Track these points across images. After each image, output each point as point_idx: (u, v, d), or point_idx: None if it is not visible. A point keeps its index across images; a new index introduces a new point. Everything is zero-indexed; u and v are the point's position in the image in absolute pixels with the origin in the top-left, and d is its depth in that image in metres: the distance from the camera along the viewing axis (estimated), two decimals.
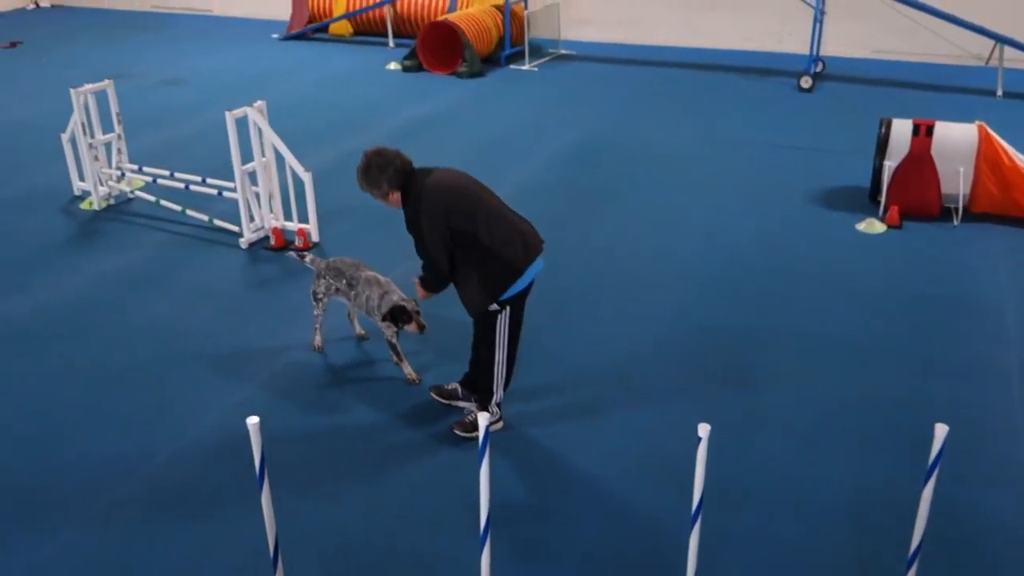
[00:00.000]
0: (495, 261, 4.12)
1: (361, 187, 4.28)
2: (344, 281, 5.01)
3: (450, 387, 4.75)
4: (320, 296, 5.14)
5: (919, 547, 3.07)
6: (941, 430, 2.77)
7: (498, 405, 4.45)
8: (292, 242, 6.69)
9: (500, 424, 4.51)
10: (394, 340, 4.88)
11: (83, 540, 3.86)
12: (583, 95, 10.81)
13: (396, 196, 4.22)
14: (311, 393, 4.93)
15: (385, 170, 4.15)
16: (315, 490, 4.16)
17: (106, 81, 7.40)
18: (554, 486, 4.18)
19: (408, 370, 4.94)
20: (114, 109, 7.40)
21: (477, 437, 4.40)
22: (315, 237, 6.73)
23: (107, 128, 7.46)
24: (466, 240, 4.11)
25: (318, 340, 5.27)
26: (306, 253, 5.49)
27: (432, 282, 4.34)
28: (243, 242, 6.70)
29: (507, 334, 4.30)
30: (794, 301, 5.82)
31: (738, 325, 5.53)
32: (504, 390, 4.44)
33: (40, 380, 5.07)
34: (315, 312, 5.20)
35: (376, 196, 4.28)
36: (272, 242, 6.69)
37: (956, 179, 6.92)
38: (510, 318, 4.27)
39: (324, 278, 5.09)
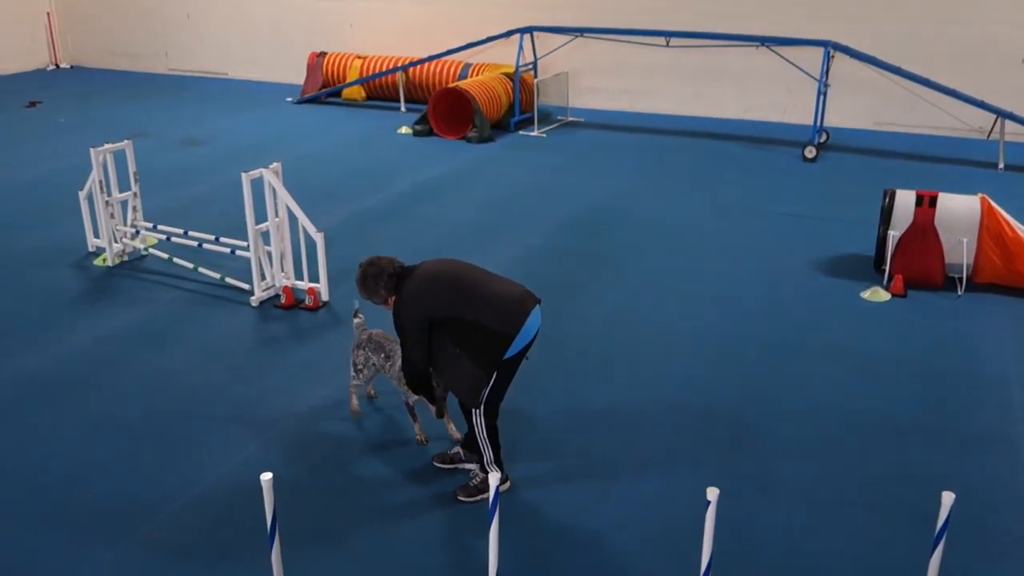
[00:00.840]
0: (482, 334, 4.17)
1: (361, 296, 4.48)
2: (383, 355, 4.97)
3: (452, 452, 4.77)
4: (360, 367, 5.10)
5: None
6: (948, 498, 2.79)
7: (497, 464, 4.44)
8: (302, 301, 6.77)
9: (507, 484, 4.51)
10: (411, 403, 4.88)
11: None
12: (591, 161, 10.99)
13: (394, 299, 4.38)
14: (318, 450, 4.94)
15: (380, 278, 4.33)
16: (321, 546, 4.15)
17: (125, 141, 7.57)
18: (558, 551, 4.16)
19: (418, 430, 4.94)
20: (131, 168, 7.55)
21: (481, 500, 4.43)
22: (325, 296, 6.80)
23: (124, 186, 7.61)
24: (451, 324, 4.21)
25: (354, 404, 5.23)
26: (359, 311, 5.25)
27: (414, 382, 4.52)
28: (254, 300, 6.77)
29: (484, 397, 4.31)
30: (800, 369, 5.84)
31: (744, 393, 5.55)
32: (493, 450, 4.42)
33: (50, 433, 5.10)
34: (353, 381, 5.17)
35: (377, 303, 4.46)
36: (282, 300, 6.76)
37: (959, 249, 7.00)
38: (493, 383, 4.26)
39: (363, 349, 5.05)
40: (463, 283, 4.28)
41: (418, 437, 4.93)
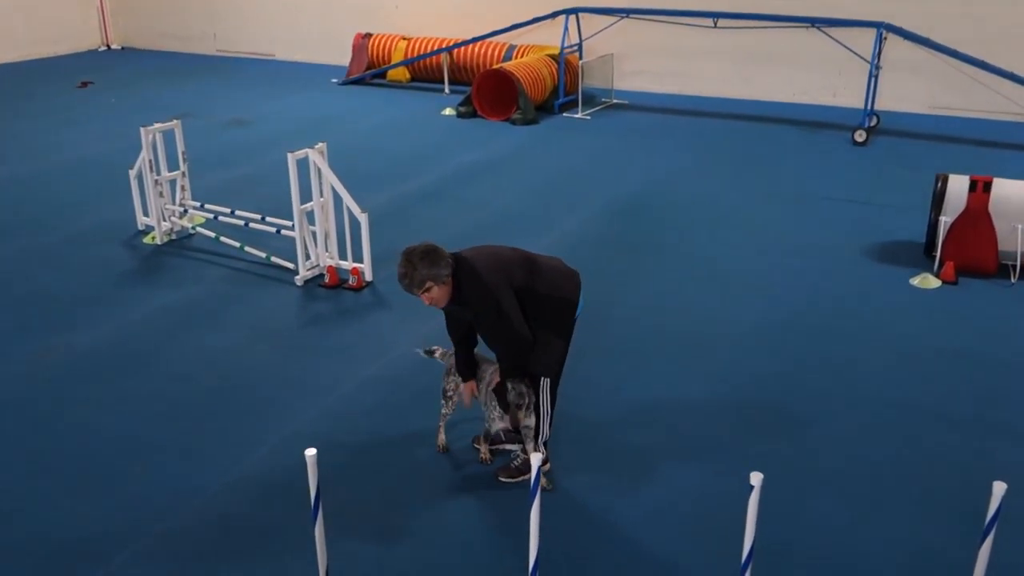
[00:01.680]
0: (555, 303, 4.25)
1: (421, 279, 4.05)
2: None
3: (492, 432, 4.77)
4: (450, 394, 4.66)
5: None
6: (999, 488, 2.73)
7: (545, 444, 4.45)
8: (346, 281, 6.82)
9: (548, 465, 4.51)
10: (494, 432, 4.57)
11: (133, 570, 3.94)
12: (635, 145, 10.90)
13: (451, 281, 4.14)
14: (361, 430, 4.98)
15: (439, 254, 4.10)
16: (362, 527, 4.19)
17: (174, 121, 7.67)
18: (595, 537, 4.15)
19: (484, 450, 4.66)
20: (180, 148, 7.66)
21: (523, 481, 4.43)
22: (368, 276, 6.85)
23: (173, 166, 7.72)
24: (526, 296, 4.21)
25: (442, 438, 4.76)
26: (436, 348, 4.86)
27: (515, 364, 4.28)
28: (298, 279, 6.84)
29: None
30: (846, 357, 5.75)
31: (790, 381, 5.47)
32: (550, 428, 4.45)
33: (97, 410, 5.20)
34: (442, 410, 4.71)
35: (435, 285, 4.08)
36: (327, 280, 6.82)
37: (1014, 236, 6.83)
38: None
39: (454, 376, 4.65)
40: (524, 257, 4.33)
41: (482, 455, 4.65)
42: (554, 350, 4.31)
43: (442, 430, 4.77)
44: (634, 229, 8.06)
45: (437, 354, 4.84)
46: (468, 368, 4.49)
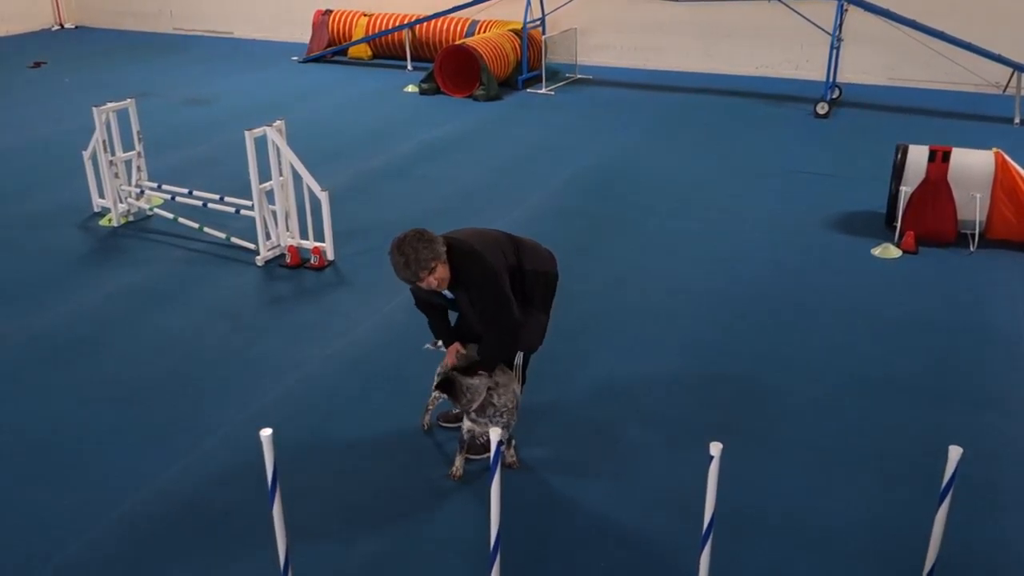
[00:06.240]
0: (540, 279, 4.35)
1: (426, 260, 3.96)
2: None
3: (456, 410, 4.73)
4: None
5: (931, 573, 3.03)
6: (955, 452, 2.76)
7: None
8: (308, 260, 6.73)
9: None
10: (466, 436, 4.35)
11: (90, 555, 3.87)
12: (600, 120, 10.86)
13: (443, 267, 4.05)
14: (322, 412, 4.93)
15: (428, 233, 4.04)
16: (324, 507, 4.15)
17: (128, 100, 7.50)
18: (558, 511, 4.14)
19: (459, 464, 4.37)
20: (135, 127, 7.49)
21: (486, 458, 4.41)
22: (330, 256, 6.77)
23: (128, 146, 7.55)
24: (515, 274, 4.25)
25: (427, 419, 4.73)
26: (439, 340, 4.67)
27: (502, 353, 4.28)
28: (259, 259, 6.74)
29: None
30: (809, 328, 5.79)
31: (753, 353, 5.49)
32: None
33: (55, 394, 5.10)
34: (433, 394, 4.58)
35: (438, 262, 4.00)
36: (288, 260, 6.73)
37: (972, 205, 6.90)
38: None
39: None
40: (507, 236, 4.38)
41: (455, 471, 4.37)
42: (539, 326, 4.40)
43: (429, 413, 4.72)
44: (598, 204, 8.03)
45: (440, 344, 4.69)
46: (449, 334, 4.55)
